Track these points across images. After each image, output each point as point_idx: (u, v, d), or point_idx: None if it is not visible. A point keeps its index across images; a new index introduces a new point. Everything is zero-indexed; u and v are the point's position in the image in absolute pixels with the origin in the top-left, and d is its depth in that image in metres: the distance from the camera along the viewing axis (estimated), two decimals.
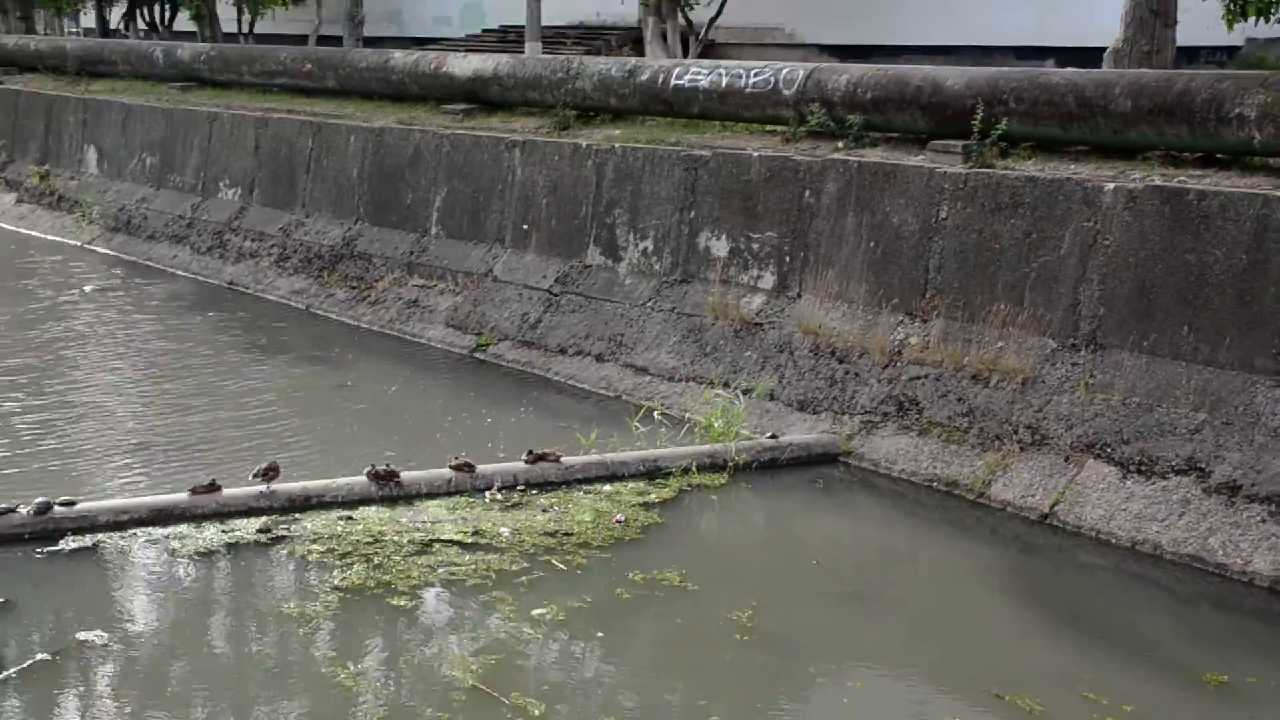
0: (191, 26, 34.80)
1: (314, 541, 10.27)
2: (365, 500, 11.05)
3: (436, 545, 10.25)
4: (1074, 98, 12.77)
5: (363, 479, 11.16)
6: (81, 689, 8.29)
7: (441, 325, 16.80)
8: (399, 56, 20.99)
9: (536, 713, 8.00)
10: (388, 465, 11.27)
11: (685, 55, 25.27)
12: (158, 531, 10.39)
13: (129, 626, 9.09)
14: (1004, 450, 11.64)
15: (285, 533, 10.44)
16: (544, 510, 11.03)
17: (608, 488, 11.59)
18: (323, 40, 32.37)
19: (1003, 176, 12.43)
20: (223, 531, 10.44)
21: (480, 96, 19.29)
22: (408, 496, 11.17)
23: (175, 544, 10.21)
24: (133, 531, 10.36)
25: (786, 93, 15.21)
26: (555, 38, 28.32)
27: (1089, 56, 19.57)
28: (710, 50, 26.50)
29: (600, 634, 9.12)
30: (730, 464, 12.06)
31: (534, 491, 11.43)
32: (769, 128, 15.77)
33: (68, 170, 25.88)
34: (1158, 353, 11.19)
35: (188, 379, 15.05)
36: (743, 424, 12.70)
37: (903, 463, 12.11)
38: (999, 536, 11.00)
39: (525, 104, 18.77)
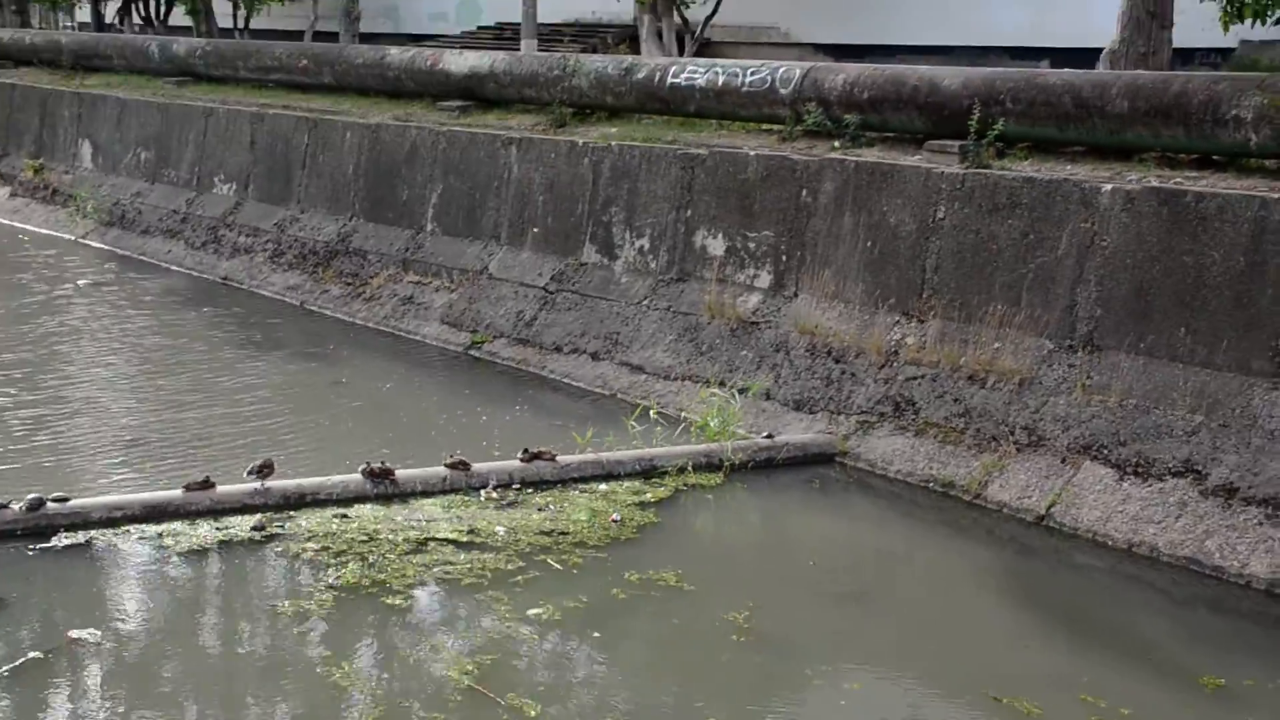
0: (187, 21, 34.69)
1: (308, 539, 10.25)
2: (360, 498, 11.03)
3: (432, 544, 10.23)
4: (1071, 98, 12.76)
5: (358, 477, 11.13)
6: (73, 687, 8.26)
7: (436, 322, 16.77)
8: (395, 53, 20.94)
9: (533, 713, 7.98)
10: (383, 463, 11.24)
11: (681, 53, 25.25)
12: (151, 528, 10.35)
13: (122, 624, 9.07)
14: (1000, 451, 11.62)
15: (280, 530, 10.42)
16: (540, 509, 11.00)
17: (603, 487, 11.57)
18: (318, 36, 32.31)
19: (1000, 177, 12.41)
20: (217, 529, 10.40)
21: (476, 93, 19.26)
22: (403, 494, 11.14)
23: (169, 541, 10.18)
24: (126, 528, 10.32)
25: (783, 92, 15.18)
26: (551, 35, 28.27)
27: (1084, 57, 19.57)
28: (706, 49, 26.46)
29: (596, 634, 9.09)
30: (726, 463, 12.03)
31: (529, 490, 11.41)
32: (765, 127, 15.75)
33: (62, 164, 25.82)
34: (1155, 354, 11.18)
35: (182, 375, 15.00)
36: (738, 423, 12.68)
37: (899, 463, 12.09)
38: (995, 538, 10.98)
39: (521, 101, 18.73)
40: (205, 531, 10.35)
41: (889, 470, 12.11)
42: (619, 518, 10.89)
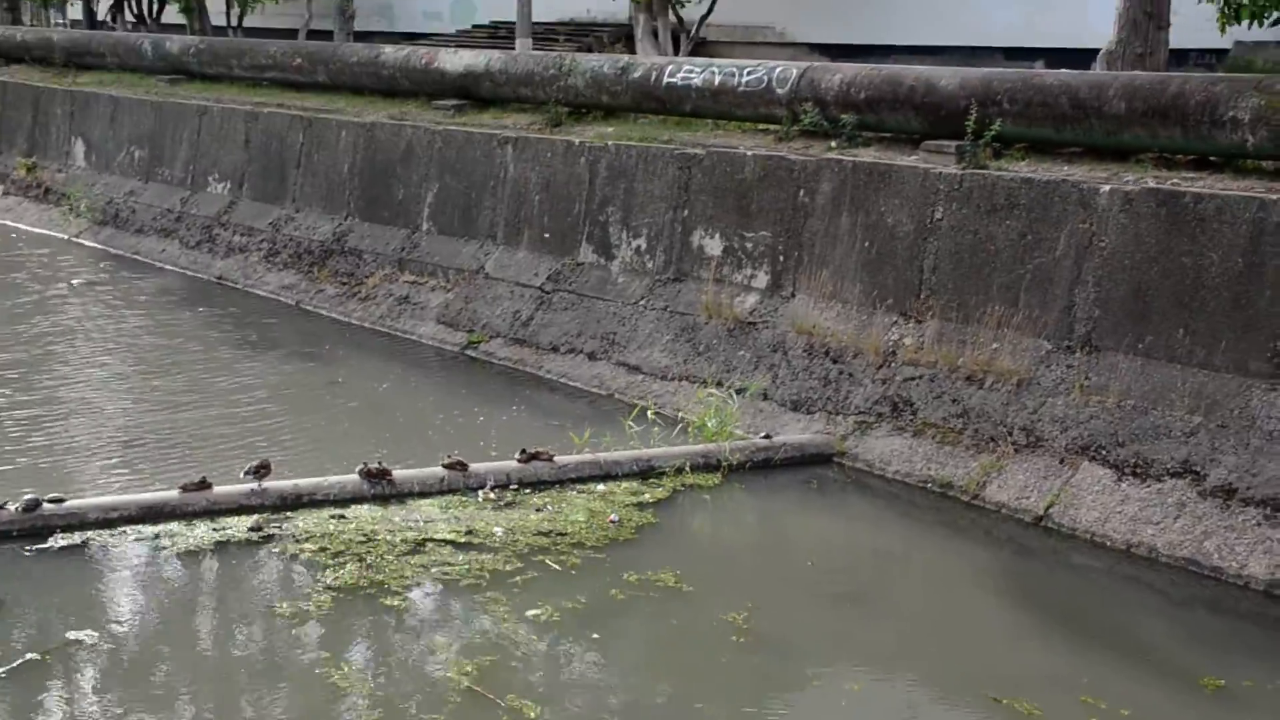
0: (180, 19, 34.64)
1: (306, 540, 10.23)
2: (357, 499, 11.00)
3: (429, 544, 10.21)
4: (1068, 99, 12.75)
5: (355, 477, 11.11)
6: (71, 689, 8.24)
7: (433, 322, 16.75)
8: (390, 51, 20.90)
9: (532, 715, 7.96)
10: (380, 463, 11.21)
11: (676, 53, 25.24)
12: (148, 529, 10.33)
13: (119, 626, 9.05)
14: (999, 452, 11.62)
15: (277, 531, 10.40)
16: (537, 510, 10.99)
17: (601, 487, 11.55)
18: (313, 35, 32.28)
19: (998, 178, 12.41)
20: (214, 529, 10.38)
21: (472, 92, 19.22)
22: (400, 495, 11.12)
23: (165, 542, 10.16)
24: (122, 529, 10.30)
25: (780, 92, 15.16)
26: (546, 34, 28.27)
27: (1079, 58, 19.61)
28: (701, 48, 26.46)
29: (595, 635, 9.08)
30: (724, 464, 12.02)
31: (527, 491, 11.39)
32: (761, 126, 15.72)
33: (55, 163, 25.76)
34: (1153, 355, 11.18)
35: (178, 375, 14.97)
36: (736, 424, 12.67)
37: (897, 464, 12.08)
38: (993, 538, 10.97)
39: (517, 100, 18.70)
40: (202, 532, 10.33)
41: (887, 471, 12.11)
42: (617, 518, 10.87)
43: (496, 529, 10.52)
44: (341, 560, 9.88)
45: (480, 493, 11.25)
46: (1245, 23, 13.97)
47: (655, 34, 25.01)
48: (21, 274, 20.15)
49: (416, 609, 9.40)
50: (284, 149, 20.41)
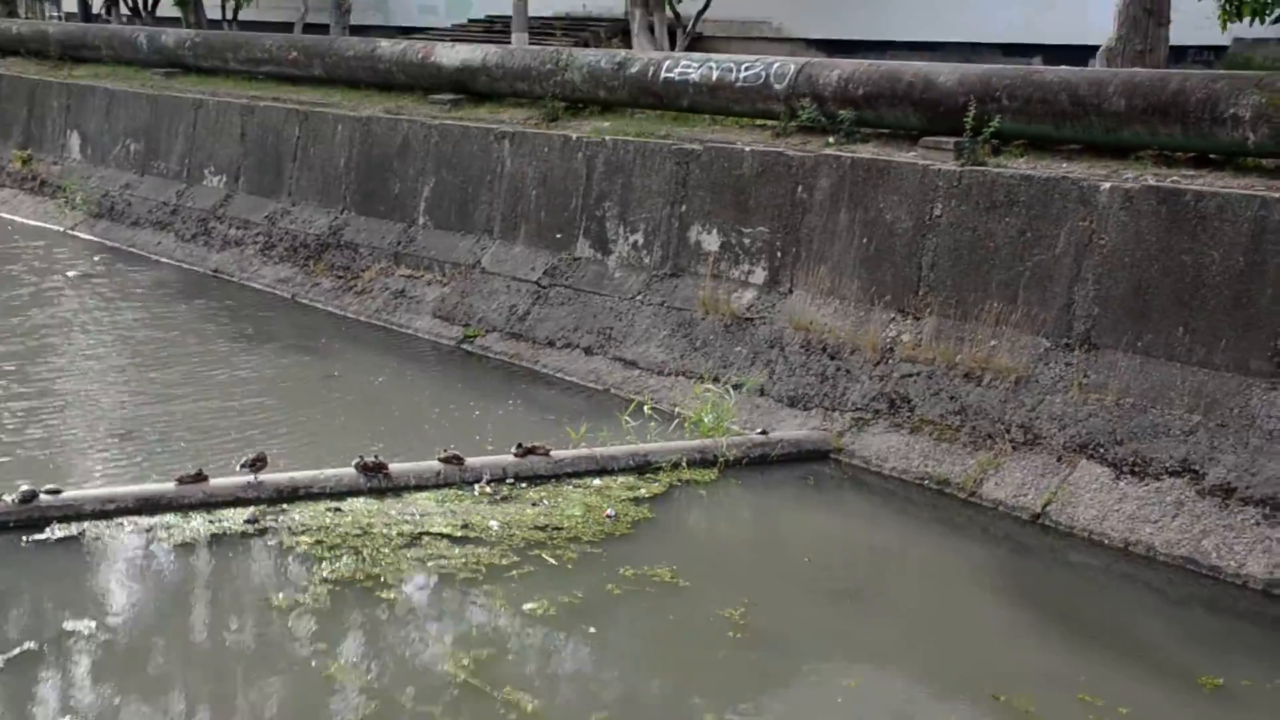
0: (175, 12, 34.60)
1: (302, 533, 10.20)
2: (353, 492, 10.97)
3: (426, 538, 10.19)
4: (1067, 96, 12.73)
5: (351, 471, 11.08)
6: (67, 679, 8.22)
7: (429, 316, 16.71)
8: (386, 45, 20.87)
9: (529, 708, 7.94)
10: (376, 457, 11.18)
11: (672, 48, 25.24)
12: (144, 521, 10.30)
13: (115, 617, 9.04)
14: (996, 449, 11.60)
15: (273, 524, 10.37)
16: (534, 504, 10.96)
17: (597, 482, 11.53)
18: (308, 28, 32.26)
19: (998, 175, 12.39)
20: (210, 522, 10.35)
21: (468, 87, 19.19)
22: (396, 489, 11.09)
23: (162, 534, 10.14)
24: (119, 521, 10.27)
25: (777, 87, 15.14)
26: (542, 29, 28.27)
27: (1077, 54, 19.60)
28: (697, 43, 26.46)
29: (592, 630, 9.06)
30: (721, 459, 12.00)
31: (523, 485, 11.36)
32: (759, 122, 15.71)
33: (50, 155, 25.71)
34: (1152, 354, 11.17)
35: (174, 367, 14.92)
36: (733, 419, 12.65)
37: (894, 460, 12.06)
38: (991, 536, 10.96)
39: (514, 95, 18.67)
40: (198, 524, 10.30)
41: (884, 467, 12.09)
42: (613, 513, 10.85)
43: (493, 523, 10.50)
44: (338, 553, 9.85)
45: (476, 487, 11.23)
46: (1247, 20, 13.93)
47: (651, 29, 25.00)
48: (17, 266, 20.09)
49: (412, 602, 9.39)
50: (280, 143, 20.37)
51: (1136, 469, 10.78)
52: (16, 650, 8.39)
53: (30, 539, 9.93)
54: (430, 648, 8.75)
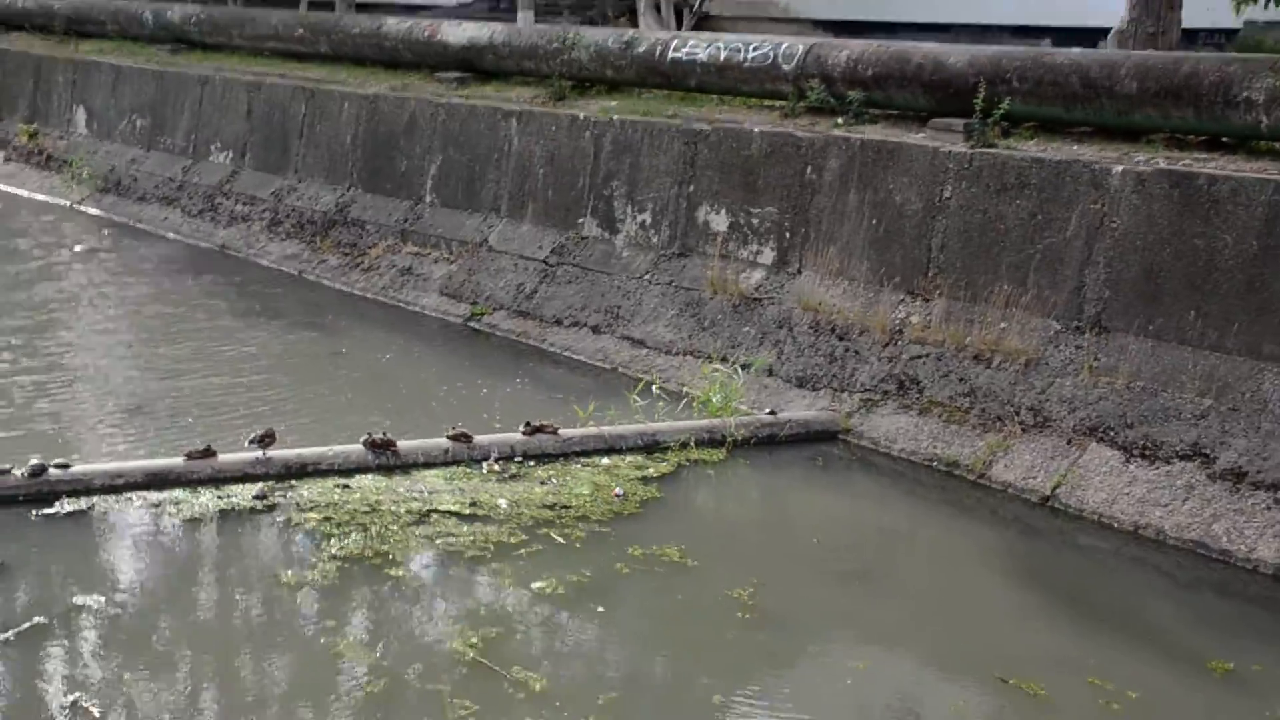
0: None
1: (310, 509, 10.20)
2: (362, 469, 10.97)
3: (434, 516, 10.18)
4: (1078, 78, 12.69)
5: (359, 447, 11.07)
6: (77, 652, 8.21)
7: (436, 294, 16.68)
8: (392, 23, 20.80)
9: (538, 687, 7.93)
10: (384, 434, 11.17)
11: (679, 27, 25.15)
12: (153, 496, 10.30)
13: (124, 591, 9.04)
14: (1005, 431, 11.58)
15: (281, 500, 10.37)
16: (542, 483, 10.95)
17: (605, 461, 11.51)
18: (314, 5, 32.08)
19: (1009, 157, 12.35)
20: (218, 497, 10.36)
21: (475, 65, 19.14)
22: (404, 466, 11.08)
23: (171, 509, 10.14)
24: (128, 495, 10.28)
25: (786, 68, 15.10)
26: (548, 7, 28.15)
27: (1087, 36, 19.53)
28: (704, 23, 26.34)
29: (600, 609, 9.06)
30: (729, 439, 11.98)
31: (531, 463, 11.35)
32: (767, 103, 15.68)
33: (56, 130, 25.65)
34: (1163, 337, 11.14)
35: (182, 343, 14.90)
36: (741, 399, 12.63)
37: (903, 442, 12.04)
38: (999, 518, 10.94)
39: (520, 73, 18.62)
40: (207, 500, 10.31)
41: (892, 449, 12.07)
42: (622, 492, 10.83)
43: (501, 501, 10.49)
44: (346, 530, 9.85)
45: (484, 465, 11.21)
46: (1262, 2, 13.84)
47: (658, 8, 24.89)
48: (24, 240, 20.08)
49: (421, 580, 9.38)
50: (286, 119, 20.32)
51: (1147, 452, 10.76)
52: (26, 624, 8.38)
53: (39, 513, 9.94)
54: (438, 626, 8.75)
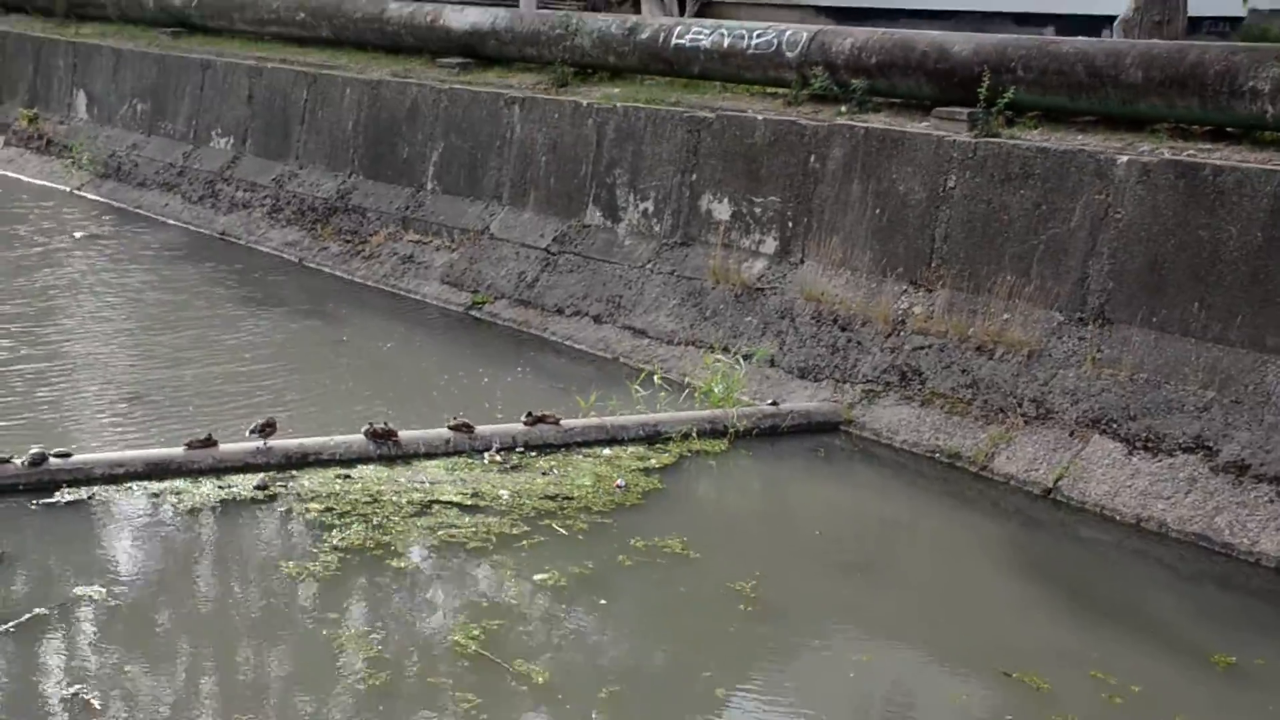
0: None
1: (311, 499, 10.16)
2: (363, 459, 10.94)
3: (436, 506, 10.16)
4: (1084, 67, 12.66)
5: (360, 437, 11.04)
6: (77, 643, 8.19)
7: (437, 282, 16.65)
8: (394, 7, 20.72)
9: (540, 680, 7.91)
10: (386, 424, 11.14)
11: (681, 14, 25.08)
12: (153, 485, 10.27)
13: (125, 581, 9.00)
14: (1008, 423, 11.56)
15: (282, 490, 10.33)
16: (543, 473, 10.93)
17: (607, 451, 11.49)
18: None
19: (1013, 147, 12.31)
20: (219, 487, 10.32)
21: (477, 51, 19.09)
22: (406, 456, 11.05)
23: (171, 499, 10.11)
24: (128, 485, 10.24)
25: (789, 55, 15.06)
26: None
27: (1091, 25, 19.48)
28: (707, 9, 26.27)
29: (602, 601, 9.03)
30: (731, 430, 11.95)
31: (533, 454, 11.32)
32: (770, 90, 15.64)
33: (56, 114, 25.57)
34: (1167, 329, 11.11)
35: (183, 331, 14.88)
36: (743, 390, 12.60)
37: (905, 433, 12.02)
38: (1001, 510, 10.93)
39: (522, 60, 18.57)
40: (208, 490, 10.27)
41: (894, 440, 12.04)
42: (624, 483, 10.81)
43: (503, 492, 10.47)
44: (347, 520, 9.82)
45: (486, 455, 11.18)
46: None
47: None
48: (24, 226, 20.00)
49: (423, 571, 9.36)
50: (287, 105, 20.27)
51: (1150, 445, 10.73)
52: (26, 615, 8.35)
53: (39, 502, 9.91)
54: (440, 617, 8.73)
